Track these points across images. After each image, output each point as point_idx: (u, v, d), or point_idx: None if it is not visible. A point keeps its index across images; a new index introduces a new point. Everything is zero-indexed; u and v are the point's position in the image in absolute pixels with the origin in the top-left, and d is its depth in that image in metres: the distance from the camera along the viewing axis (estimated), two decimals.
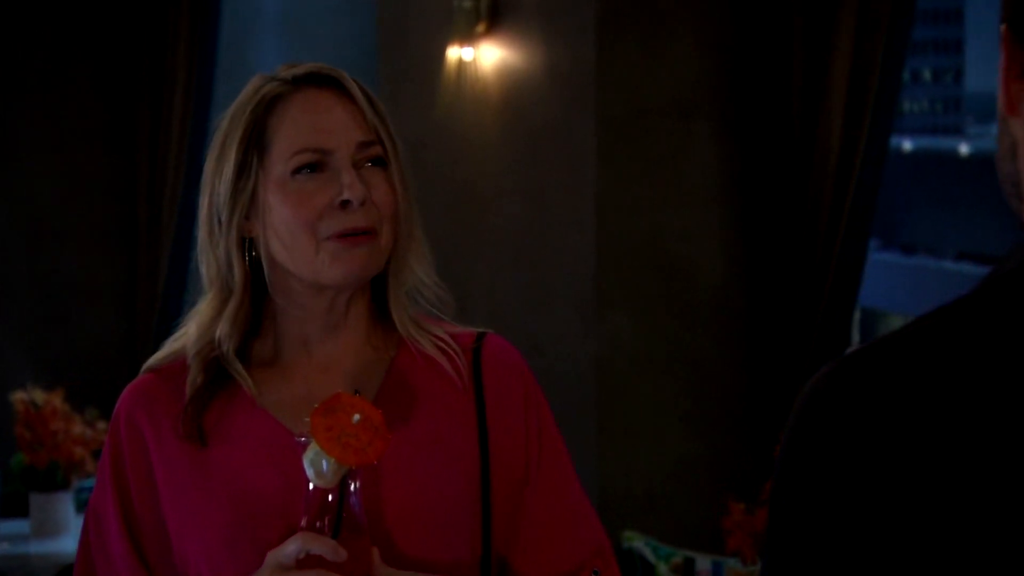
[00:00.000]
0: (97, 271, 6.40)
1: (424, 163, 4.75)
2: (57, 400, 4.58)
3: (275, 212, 1.70)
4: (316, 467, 1.60)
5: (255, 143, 1.72)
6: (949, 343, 0.98)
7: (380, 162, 1.73)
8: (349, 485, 1.62)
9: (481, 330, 1.83)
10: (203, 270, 1.77)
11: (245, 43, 6.58)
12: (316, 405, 1.61)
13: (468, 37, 4.82)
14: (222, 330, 1.73)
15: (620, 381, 4.55)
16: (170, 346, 1.81)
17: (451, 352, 1.77)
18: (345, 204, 1.69)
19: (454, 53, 4.88)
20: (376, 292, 1.79)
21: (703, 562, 4.01)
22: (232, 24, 6.32)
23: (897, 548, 0.94)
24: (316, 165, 1.71)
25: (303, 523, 1.62)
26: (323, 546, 1.59)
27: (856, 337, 6.20)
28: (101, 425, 4.57)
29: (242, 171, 1.71)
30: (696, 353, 4.60)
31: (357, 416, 1.59)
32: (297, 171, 1.70)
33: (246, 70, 6.51)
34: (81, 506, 4.57)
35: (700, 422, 4.60)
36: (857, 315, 4.52)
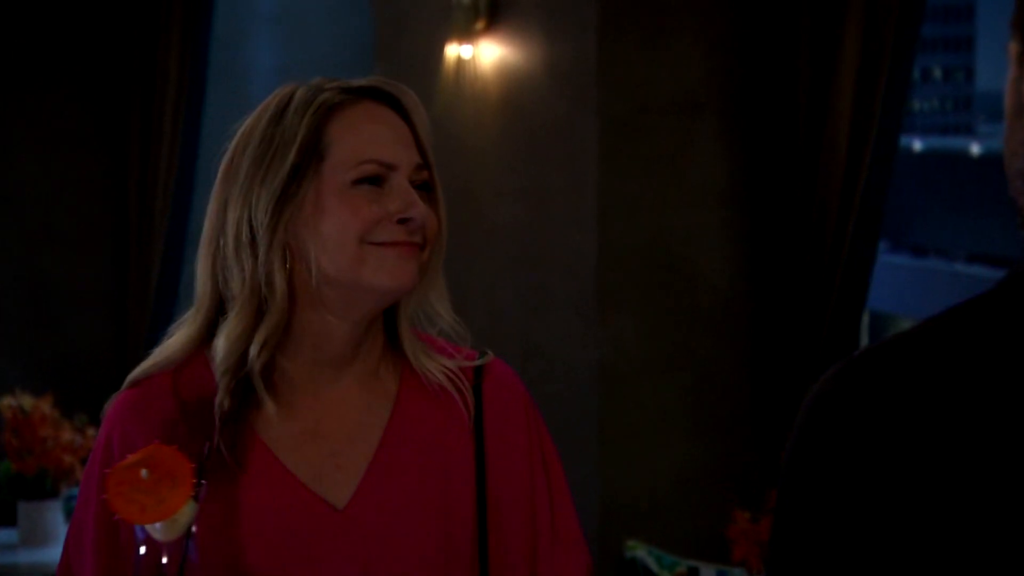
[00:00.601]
0: (87, 275, 6.40)
1: None
2: (46, 406, 4.58)
3: (327, 217, 1.68)
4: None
5: (312, 149, 1.70)
6: (959, 345, 0.98)
7: (425, 187, 1.75)
8: (190, 538, 1.59)
9: (482, 354, 1.82)
10: (209, 275, 1.73)
11: (239, 41, 6.58)
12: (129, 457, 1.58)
13: (467, 34, 4.82)
14: (256, 346, 1.69)
15: (622, 386, 4.54)
16: (153, 359, 1.79)
17: (459, 375, 1.78)
18: (405, 221, 1.69)
19: (453, 51, 4.88)
20: (387, 322, 1.79)
21: (708, 572, 4.01)
22: (225, 22, 6.32)
23: (904, 553, 0.94)
24: (377, 179, 1.70)
25: None
26: None
27: (865, 341, 6.20)
28: (91, 432, 4.57)
29: (295, 176, 1.69)
30: (700, 357, 4.60)
31: (145, 471, 1.55)
32: (358, 181, 1.70)
33: (240, 69, 6.52)
34: (71, 514, 4.57)
35: (704, 428, 4.60)
36: (866, 319, 4.52)
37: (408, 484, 1.72)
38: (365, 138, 1.71)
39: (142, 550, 1.57)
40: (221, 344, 1.71)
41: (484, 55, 4.81)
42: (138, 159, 6.26)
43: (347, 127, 1.72)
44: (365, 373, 1.76)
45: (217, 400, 1.70)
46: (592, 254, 4.50)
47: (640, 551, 4.20)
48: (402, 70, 5.06)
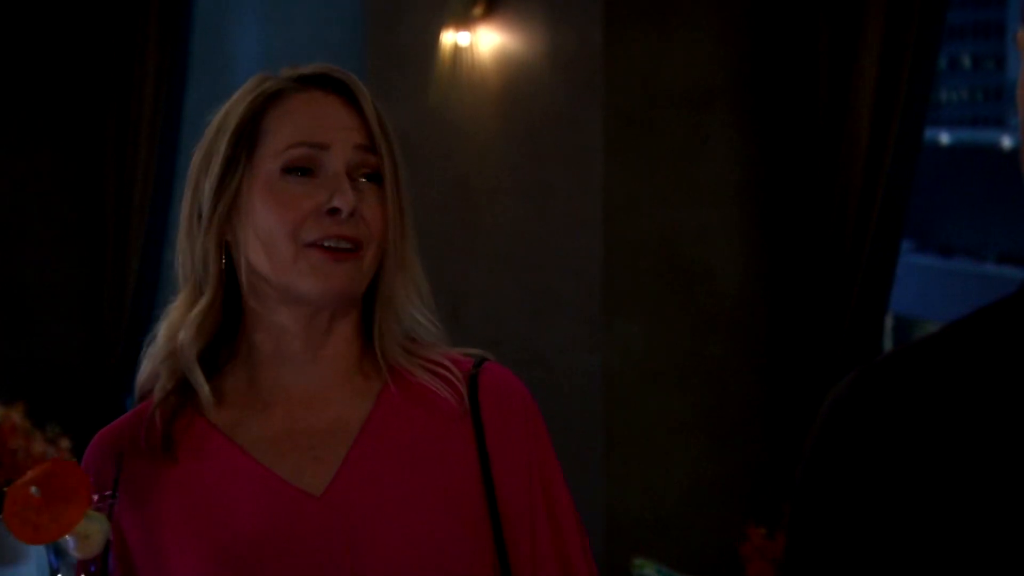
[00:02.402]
0: (61, 277, 6.40)
1: (416, 158, 4.75)
2: (17, 415, 4.59)
3: (258, 213, 1.71)
4: (61, 539, 1.58)
5: (246, 138, 1.73)
6: (986, 349, 0.98)
7: (376, 178, 1.74)
8: (108, 556, 1.60)
9: (478, 355, 1.83)
10: (179, 269, 1.78)
11: (221, 29, 6.58)
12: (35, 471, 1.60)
13: (464, 20, 4.82)
14: (185, 333, 1.74)
15: (630, 395, 4.55)
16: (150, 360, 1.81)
17: (449, 377, 1.77)
18: (333, 212, 1.69)
19: (449, 38, 4.88)
20: (366, 316, 1.79)
21: None
22: (207, 6, 6.32)
23: (925, 566, 0.94)
24: (308, 168, 1.71)
25: None
26: None
27: (888, 346, 6.20)
28: (64, 443, 4.58)
29: (229, 166, 1.73)
30: (712, 364, 4.60)
31: (35, 488, 1.56)
32: (287, 171, 1.71)
33: (222, 59, 6.52)
34: None
35: (716, 439, 4.60)
36: (890, 322, 4.52)
37: (390, 471, 1.73)
38: (297, 123, 1.73)
39: (53, 559, 1.59)
40: (163, 331, 1.76)
41: (482, 43, 4.81)
42: (115, 153, 6.26)
43: (284, 115, 1.74)
44: (341, 371, 1.77)
45: (158, 385, 1.74)
46: (597, 255, 4.51)
47: (648, 569, 4.21)
48: (395, 59, 5.06)
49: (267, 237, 1.71)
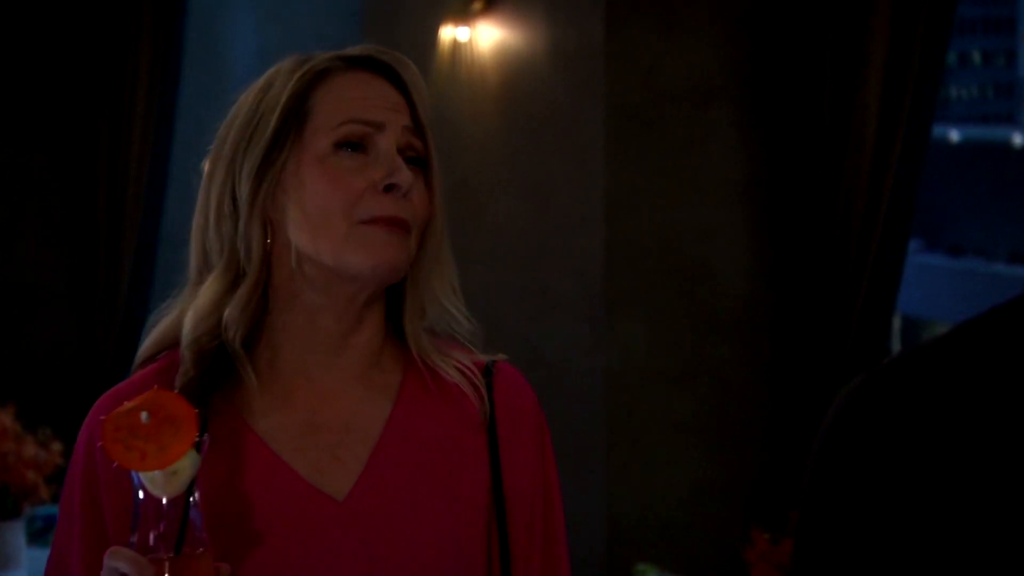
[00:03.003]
0: (52, 276, 6.40)
1: None
2: (7, 418, 4.58)
3: (308, 189, 1.70)
4: (146, 474, 1.56)
5: (295, 114, 1.72)
6: (996, 351, 0.98)
7: (419, 162, 1.75)
8: (191, 496, 1.57)
9: (491, 357, 1.84)
10: (199, 251, 1.75)
11: (216, 24, 6.58)
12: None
13: (463, 16, 4.82)
14: (230, 314, 1.71)
15: (632, 397, 4.55)
16: (159, 333, 1.79)
17: (474, 381, 1.79)
18: (389, 188, 1.70)
19: (448, 33, 4.88)
20: (391, 311, 1.79)
21: None
22: (200, 3, 6.32)
23: (934, 571, 0.94)
24: (360, 144, 1.72)
25: (133, 539, 1.57)
26: (144, 571, 1.54)
27: (896, 348, 6.19)
28: (56, 446, 4.57)
29: (276, 142, 1.71)
30: (716, 365, 4.60)
31: (145, 414, 1.54)
32: (340, 146, 1.71)
33: (217, 55, 6.52)
34: (34, 536, 4.57)
35: (720, 442, 4.60)
36: (898, 323, 4.52)
37: (411, 477, 1.74)
38: (348, 100, 1.73)
39: (140, 495, 1.56)
40: (190, 316, 1.73)
41: (482, 38, 4.81)
42: (108, 151, 6.25)
43: (334, 92, 1.74)
44: (363, 363, 1.77)
45: (181, 371, 1.72)
46: (599, 254, 4.51)
47: (650, 575, 4.20)
48: None
49: (318, 214, 1.70)
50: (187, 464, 1.55)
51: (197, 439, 1.56)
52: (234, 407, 1.74)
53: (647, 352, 4.54)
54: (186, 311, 1.75)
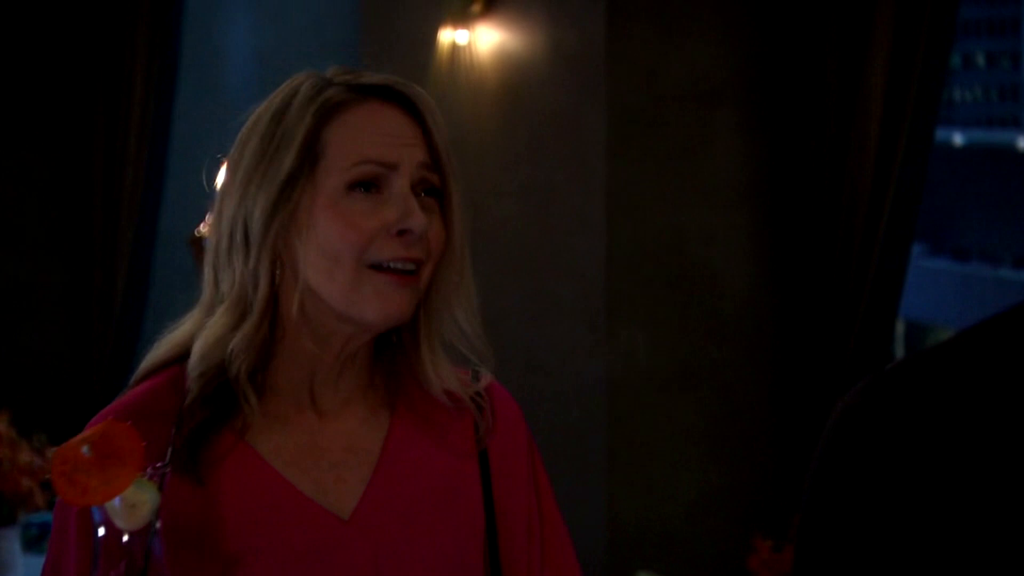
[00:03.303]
0: (47, 281, 6.39)
1: None
2: (2, 424, 4.58)
3: (321, 230, 1.70)
4: (108, 507, 1.55)
5: (309, 151, 1.71)
6: (1000, 358, 0.98)
7: (435, 193, 1.75)
8: (153, 529, 1.57)
9: (475, 373, 1.86)
10: (212, 273, 1.76)
11: (212, 26, 6.58)
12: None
13: (463, 18, 4.82)
14: (236, 347, 1.72)
15: (633, 403, 4.55)
16: (164, 351, 1.79)
17: (467, 406, 1.82)
18: (403, 233, 1.70)
19: (447, 36, 4.88)
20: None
21: None
22: (197, 5, 6.32)
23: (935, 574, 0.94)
24: (373, 183, 1.71)
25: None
26: None
27: (899, 353, 6.19)
28: (51, 453, 4.57)
29: (291, 180, 1.71)
30: (718, 371, 4.60)
31: (87, 448, 1.53)
32: (353, 186, 1.71)
33: (213, 57, 6.52)
34: (29, 543, 4.56)
35: (722, 449, 4.60)
36: (901, 328, 4.52)
37: (412, 494, 1.76)
38: (364, 138, 1.73)
39: (100, 531, 1.56)
40: (198, 346, 1.74)
41: (481, 41, 4.81)
42: (103, 153, 6.25)
43: (347, 128, 1.73)
44: (359, 385, 1.80)
45: (187, 402, 1.73)
46: (600, 258, 4.51)
47: None
48: (390, 57, 5.06)
49: (330, 256, 1.70)
50: (146, 498, 1.55)
51: (155, 470, 1.56)
52: (236, 429, 1.75)
53: (649, 357, 4.54)
54: (194, 331, 1.77)
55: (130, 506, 1.54)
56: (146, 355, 1.82)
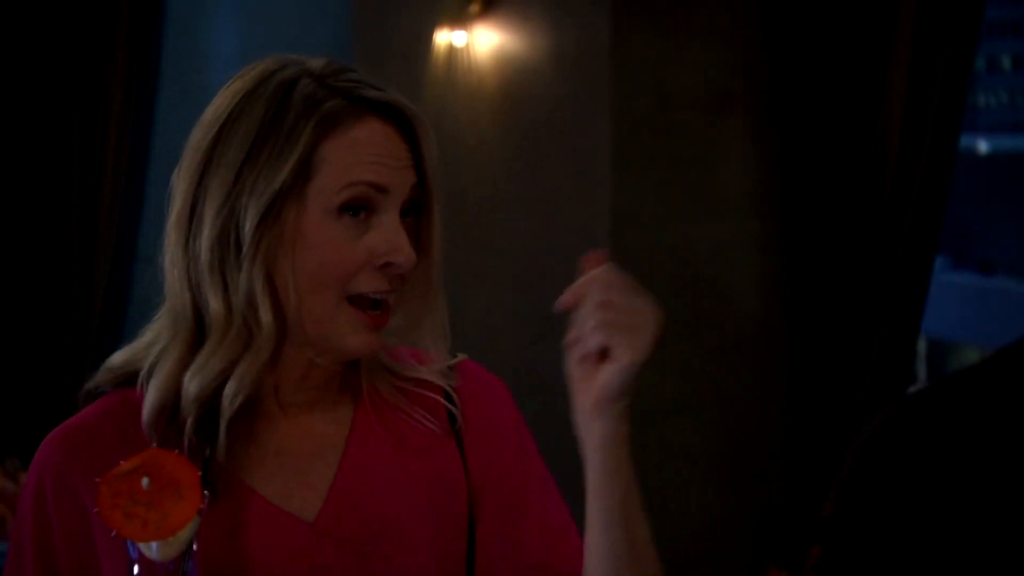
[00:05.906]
0: (22, 296, 6.40)
1: None
2: None
3: (307, 254, 1.71)
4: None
5: (305, 166, 1.72)
6: None
7: (415, 210, 1.78)
8: (189, 558, 1.57)
9: (451, 358, 1.88)
10: (186, 291, 1.74)
11: (196, 26, 6.59)
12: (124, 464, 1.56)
13: (460, 18, 4.83)
14: (238, 381, 1.72)
15: (639, 426, 4.53)
16: (120, 367, 1.79)
17: (436, 391, 1.85)
18: (387, 265, 1.73)
19: (443, 37, 4.89)
20: None
21: None
22: (181, 4, 6.33)
23: None
24: (363, 206, 1.73)
25: None
26: None
27: (922, 373, 6.18)
28: (23, 477, 4.57)
29: (282, 195, 1.71)
30: (729, 392, 4.60)
31: (147, 480, 1.53)
32: (343, 208, 1.72)
33: (197, 59, 6.52)
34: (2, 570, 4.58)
35: (734, 474, 4.60)
36: (923, 347, 4.53)
37: (381, 492, 1.78)
38: (363, 160, 1.73)
39: (135, 570, 1.55)
40: (196, 380, 1.72)
41: (480, 43, 4.82)
42: (80, 164, 6.25)
43: (345, 146, 1.73)
44: (325, 383, 1.82)
45: (187, 431, 1.72)
46: None
47: None
48: (384, 60, 5.07)
49: (315, 279, 1.72)
50: (188, 527, 1.55)
51: (206, 501, 1.57)
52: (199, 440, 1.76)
53: (655, 378, 4.54)
54: (155, 345, 1.76)
55: (173, 537, 1.55)
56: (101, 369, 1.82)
